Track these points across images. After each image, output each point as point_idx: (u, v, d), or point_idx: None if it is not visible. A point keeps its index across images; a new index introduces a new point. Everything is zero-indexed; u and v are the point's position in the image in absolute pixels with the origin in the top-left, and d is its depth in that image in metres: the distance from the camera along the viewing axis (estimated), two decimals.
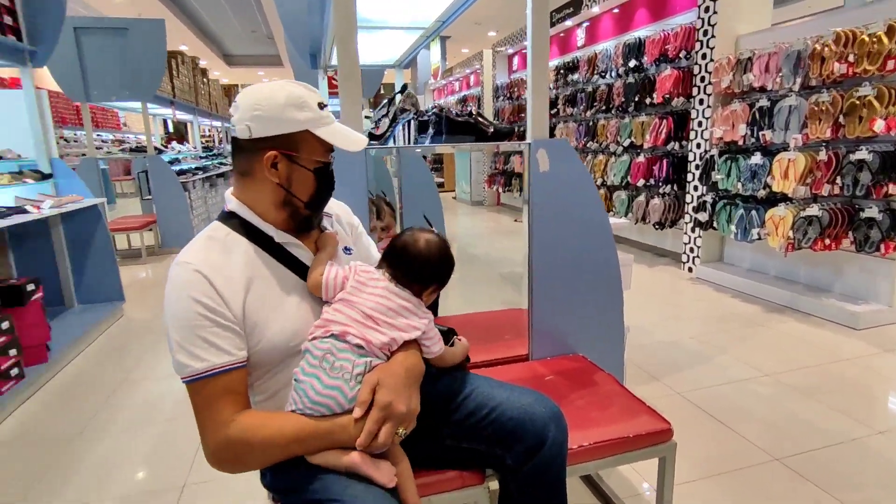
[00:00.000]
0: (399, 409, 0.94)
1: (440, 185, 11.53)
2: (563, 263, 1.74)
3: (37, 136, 3.49)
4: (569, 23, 6.81)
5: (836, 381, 2.55)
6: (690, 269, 4.69)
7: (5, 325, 2.49)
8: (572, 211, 1.74)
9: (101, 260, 3.80)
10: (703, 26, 4.37)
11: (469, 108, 1.83)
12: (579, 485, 1.81)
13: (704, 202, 4.36)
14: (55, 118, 6.02)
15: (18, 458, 2.12)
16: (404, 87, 1.84)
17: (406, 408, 0.95)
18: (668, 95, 4.80)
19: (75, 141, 6.88)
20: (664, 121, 4.89)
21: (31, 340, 2.72)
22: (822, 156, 3.38)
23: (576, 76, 6.53)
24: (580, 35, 6.77)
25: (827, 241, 3.37)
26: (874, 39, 3.07)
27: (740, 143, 4.02)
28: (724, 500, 1.74)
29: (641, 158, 5.28)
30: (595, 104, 6.06)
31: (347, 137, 1.04)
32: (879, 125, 3.03)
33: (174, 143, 8.44)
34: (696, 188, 4.57)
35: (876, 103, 3.05)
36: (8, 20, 3.18)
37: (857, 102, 3.16)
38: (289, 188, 1.01)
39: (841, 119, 3.26)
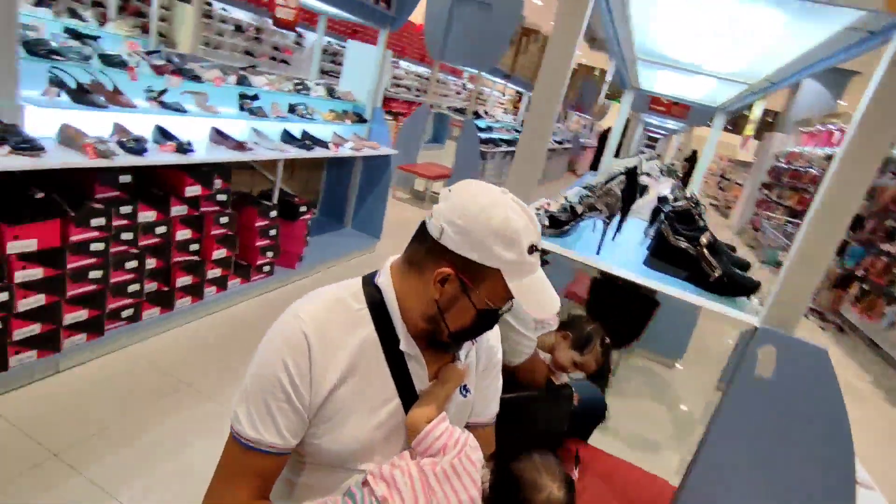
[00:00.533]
0: None
1: None
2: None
3: (370, 87, 4.15)
4: None
5: None
6: None
7: (272, 232, 3.12)
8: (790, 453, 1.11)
9: (377, 201, 4.43)
10: None
11: (701, 218, 1.21)
12: None
13: None
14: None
15: (253, 332, 2.70)
16: (632, 170, 1.39)
17: None
18: None
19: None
20: None
21: (289, 248, 3.36)
22: None
23: None
24: None
25: None
26: None
27: None
28: None
29: None
30: None
31: (539, 301, 0.85)
32: None
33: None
34: None
35: None
36: None
37: None
38: (444, 311, 0.86)
39: None
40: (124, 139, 2.23)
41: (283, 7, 2.89)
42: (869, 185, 1.11)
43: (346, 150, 3.70)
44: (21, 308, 1.94)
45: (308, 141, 3.42)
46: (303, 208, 3.34)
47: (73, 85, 2.18)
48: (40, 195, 1.96)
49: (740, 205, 12.21)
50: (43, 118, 2.07)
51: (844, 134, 1.13)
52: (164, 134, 2.49)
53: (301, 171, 4.22)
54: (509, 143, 8.07)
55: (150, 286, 2.50)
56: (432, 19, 5.90)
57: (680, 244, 1.25)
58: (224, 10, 7.65)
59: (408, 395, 0.89)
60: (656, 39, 2.26)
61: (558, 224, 1.41)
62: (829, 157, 8.07)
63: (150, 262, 2.44)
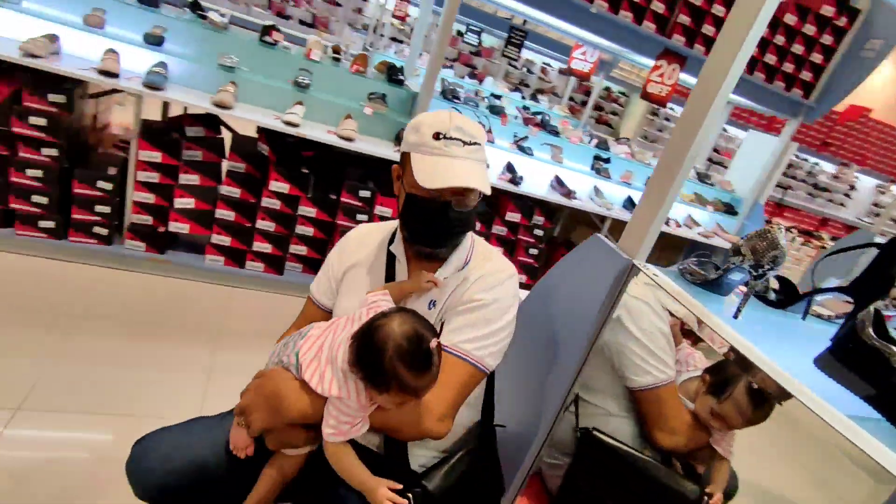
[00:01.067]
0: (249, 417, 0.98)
1: None
2: None
3: (758, 178, 3.67)
4: None
5: None
6: None
7: None
8: None
9: None
10: None
11: None
12: None
13: None
14: None
15: None
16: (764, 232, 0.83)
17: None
18: None
19: None
20: None
21: None
22: None
23: None
24: None
25: None
26: None
27: None
28: None
29: None
30: None
31: (432, 173, 0.93)
32: None
33: None
34: None
35: None
36: (806, 75, 3.30)
37: None
38: (400, 208, 1.04)
39: None
40: None
41: (655, 84, 3.03)
42: None
43: (691, 233, 3.44)
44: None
45: None
46: None
47: None
48: None
49: None
50: None
51: None
52: (508, 168, 3.06)
53: None
54: None
55: None
56: None
57: (876, 345, 0.76)
58: (671, 108, 8.19)
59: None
60: None
61: (699, 273, 1.01)
62: None
63: None
